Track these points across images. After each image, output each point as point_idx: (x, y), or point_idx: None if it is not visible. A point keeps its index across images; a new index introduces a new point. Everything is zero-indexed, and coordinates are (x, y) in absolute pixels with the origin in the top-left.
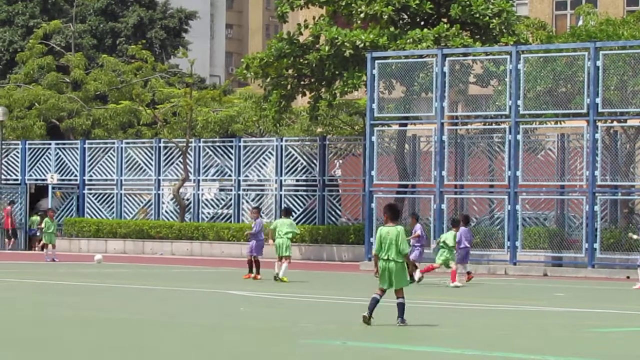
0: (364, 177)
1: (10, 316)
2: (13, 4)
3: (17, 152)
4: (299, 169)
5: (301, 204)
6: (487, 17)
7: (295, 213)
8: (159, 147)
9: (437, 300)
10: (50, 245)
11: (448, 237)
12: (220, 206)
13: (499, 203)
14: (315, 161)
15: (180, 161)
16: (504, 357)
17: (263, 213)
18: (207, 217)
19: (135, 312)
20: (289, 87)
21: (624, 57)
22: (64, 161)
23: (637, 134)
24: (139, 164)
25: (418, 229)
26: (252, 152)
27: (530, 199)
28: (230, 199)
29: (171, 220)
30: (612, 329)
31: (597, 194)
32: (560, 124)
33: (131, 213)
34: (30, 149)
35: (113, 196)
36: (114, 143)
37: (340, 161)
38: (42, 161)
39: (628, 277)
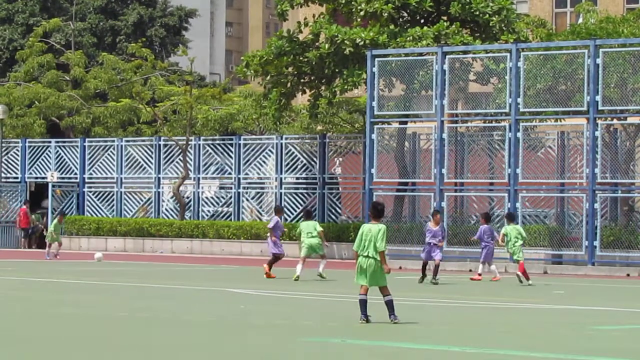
0: (364, 175)
1: (9, 316)
2: (13, 2)
3: (17, 150)
4: (299, 167)
5: (301, 202)
6: (487, 15)
7: (295, 211)
8: (159, 145)
9: (436, 299)
10: (54, 244)
11: (510, 231)
12: (220, 204)
13: (499, 201)
14: (315, 159)
15: (180, 159)
16: (504, 354)
17: (263, 211)
18: (207, 215)
19: (136, 310)
20: (289, 85)
21: (623, 55)
22: (64, 159)
23: (637, 132)
24: (139, 162)
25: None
26: (252, 150)
27: (530, 197)
28: (230, 197)
29: (171, 219)
30: (612, 326)
31: (597, 192)
32: (560, 121)
33: (131, 211)
34: (30, 147)
35: (113, 194)
36: (113, 141)
37: (340, 159)
38: (42, 159)
39: (628, 275)
